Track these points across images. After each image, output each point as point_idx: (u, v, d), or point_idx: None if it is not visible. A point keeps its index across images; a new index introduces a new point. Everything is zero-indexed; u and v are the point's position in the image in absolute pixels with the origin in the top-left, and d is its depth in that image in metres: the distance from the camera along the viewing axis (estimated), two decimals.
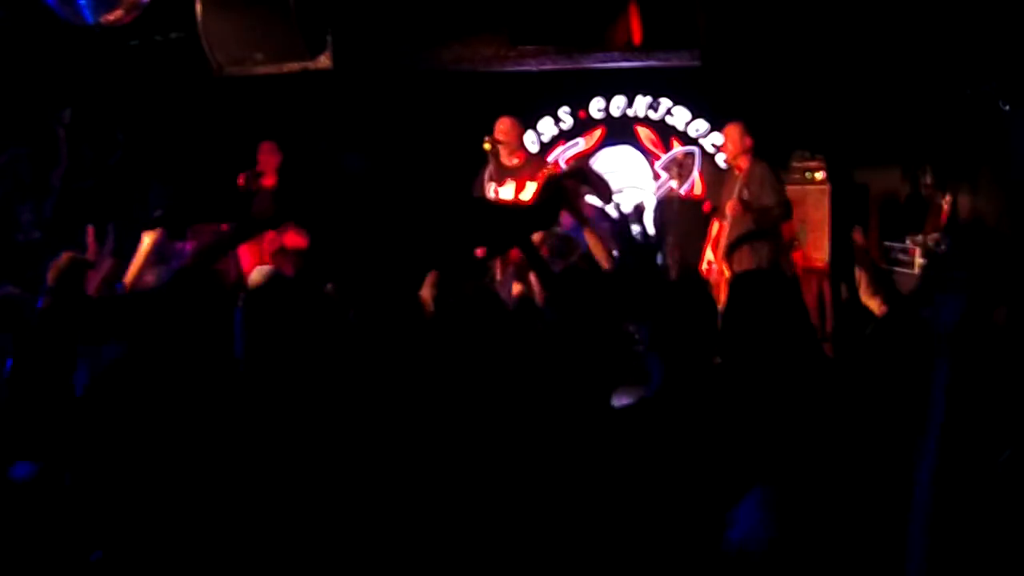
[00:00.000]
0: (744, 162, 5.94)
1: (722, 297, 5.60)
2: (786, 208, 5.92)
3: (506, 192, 5.75)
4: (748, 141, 5.91)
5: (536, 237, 5.91)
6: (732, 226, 5.86)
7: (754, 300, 2.28)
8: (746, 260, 5.76)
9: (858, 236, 4.21)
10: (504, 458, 2.09)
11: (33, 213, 4.59)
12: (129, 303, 2.84)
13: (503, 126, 5.78)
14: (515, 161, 5.85)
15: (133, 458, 2.07)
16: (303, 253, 5.44)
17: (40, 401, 2.35)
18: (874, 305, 3.78)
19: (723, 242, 5.92)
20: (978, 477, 1.38)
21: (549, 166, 6.17)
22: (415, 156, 7.35)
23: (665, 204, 7.24)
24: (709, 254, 6.04)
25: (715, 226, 6.07)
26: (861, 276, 3.98)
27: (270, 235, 6.35)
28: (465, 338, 2.32)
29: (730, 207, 5.80)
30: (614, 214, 3.08)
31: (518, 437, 2.12)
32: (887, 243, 6.78)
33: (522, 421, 2.15)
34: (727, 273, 5.72)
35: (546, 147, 7.77)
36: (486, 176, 5.86)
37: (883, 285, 3.92)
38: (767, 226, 5.83)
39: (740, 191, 5.81)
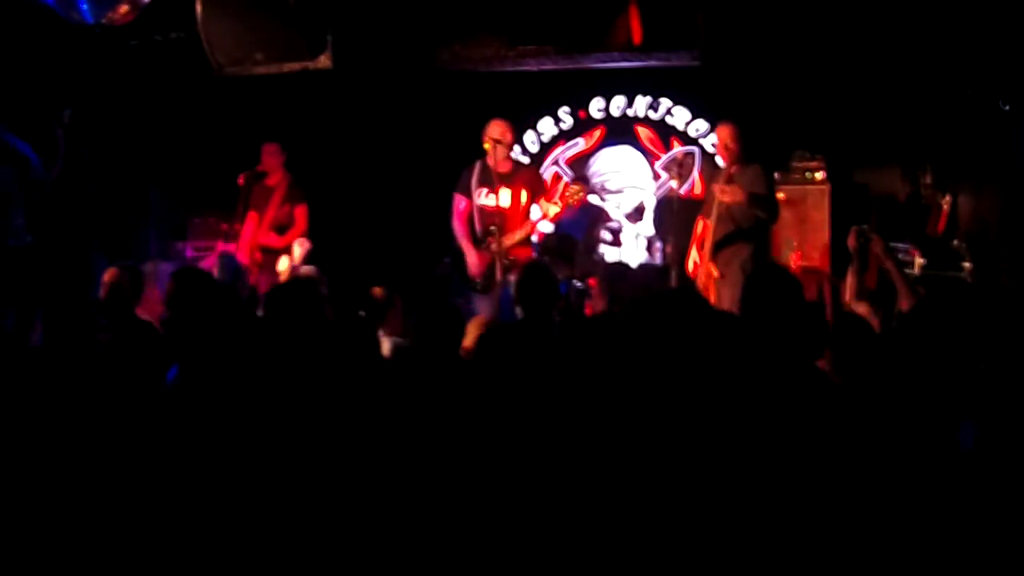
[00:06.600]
0: (731, 160, 5.64)
1: (711, 298, 5.56)
2: (774, 206, 5.65)
3: (503, 199, 5.69)
4: (734, 145, 5.61)
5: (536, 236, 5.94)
6: (717, 225, 5.59)
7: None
8: (728, 259, 5.52)
9: (851, 240, 4.13)
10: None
11: (26, 217, 4.55)
12: None
13: (501, 127, 5.70)
14: (507, 167, 5.78)
15: None
16: None
17: None
18: (861, 309, 3.76)
19: (708, 242, 5.64)
20: None
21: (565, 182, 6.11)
22: (415, 156, 7.36)
23: (665, 204, 7.24)
24: (695, 254, 5.84)
25: (699, 225, 5.79)
26: (850, 280, 3.96)
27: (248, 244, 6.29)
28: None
29: (716, 188, 5.52)
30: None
31: None
32: (887, 244, 6.74)
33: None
34: (715, 274, 5.56)
35: (546, 147, 7.77)
36: (474, 180, 5.76)
37: (904, 282, 3.89)
38: (753, 220, 5.55)
39: (725, 177, 5.55)
